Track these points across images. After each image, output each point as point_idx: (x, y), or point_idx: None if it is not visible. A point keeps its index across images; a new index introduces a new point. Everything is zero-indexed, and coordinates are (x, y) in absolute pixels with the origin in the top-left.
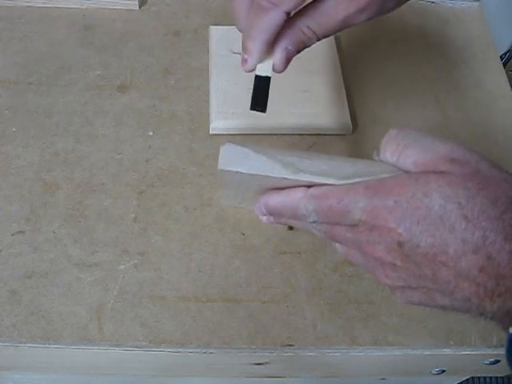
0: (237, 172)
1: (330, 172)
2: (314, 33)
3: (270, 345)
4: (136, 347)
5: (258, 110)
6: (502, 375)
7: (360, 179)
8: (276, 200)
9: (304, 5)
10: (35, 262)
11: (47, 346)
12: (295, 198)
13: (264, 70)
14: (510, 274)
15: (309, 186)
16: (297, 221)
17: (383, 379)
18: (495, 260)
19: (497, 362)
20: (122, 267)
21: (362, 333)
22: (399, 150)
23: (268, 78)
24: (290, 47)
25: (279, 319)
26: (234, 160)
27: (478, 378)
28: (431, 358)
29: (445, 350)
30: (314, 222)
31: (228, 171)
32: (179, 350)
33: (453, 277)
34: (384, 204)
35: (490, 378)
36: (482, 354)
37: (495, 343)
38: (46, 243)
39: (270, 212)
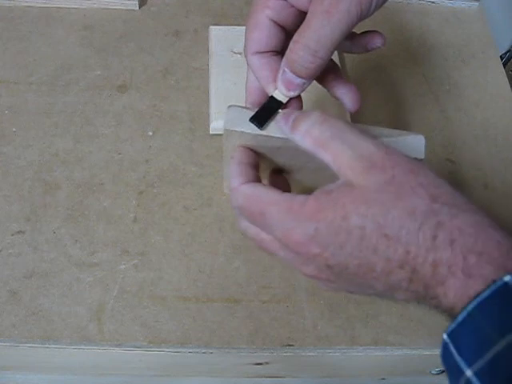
0: (241, 132)
1: None
2: (306, 46)
3: (270, 345)
4: (136, 347)
5: (254, 124)
6: None
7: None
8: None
9: None
10: (35, 262)
11: (47, 346)
12: (232, 185)
13: (281, 94)
14: (435, 284)
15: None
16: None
17: (383, 379)
18: (420, 273)
19: None
20: (122, 267)
21: (361, 333)
22: (321, 141)
23: (279, 103)
24: (285, 68)
25: (279, 319)
26: (240, 121)
27: None
28: (431, 358)
29: None
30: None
31: (233, 131)
32: (179, 349)
33: (387, 287)
34: (304, 232)
35: None
36: None
37: None
38: (46, 243)
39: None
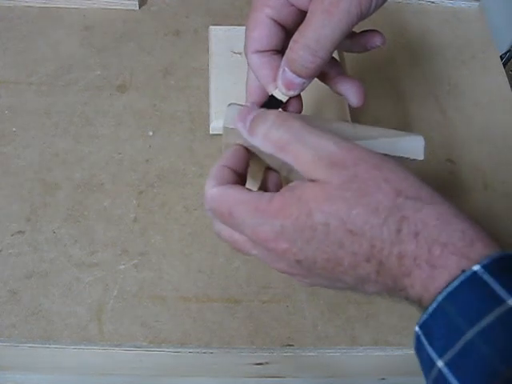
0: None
1: None
2: (306, 45)
3: (270, 345)
4: (136, 347)
5: None
6: None
7: (360, 142)
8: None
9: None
10: (35, 262)
11: (47, 346)
12: (205, 188)
13: (281, 94)
14: (401, 276)
15: None
16: None
17: (383, 379)
18: (386, 265)
19: None
20: (121, 267)
21: (361, 333)
22: (281, 145)
23: (279, 102)
24: (285, 68)
25: (279, 319)
26: None
27: None
28: None
29: None
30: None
31: (232, 130)
32: (179, 349)
33: (357, 280)
34: (271, 229)
35: None
36: None
37: None
38: (46, 243)
39: None
